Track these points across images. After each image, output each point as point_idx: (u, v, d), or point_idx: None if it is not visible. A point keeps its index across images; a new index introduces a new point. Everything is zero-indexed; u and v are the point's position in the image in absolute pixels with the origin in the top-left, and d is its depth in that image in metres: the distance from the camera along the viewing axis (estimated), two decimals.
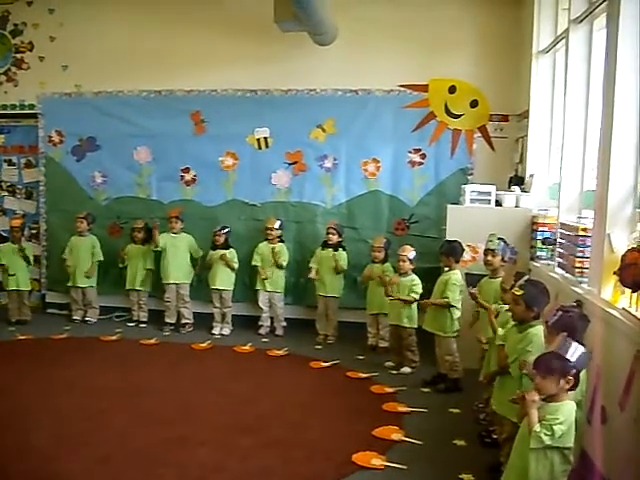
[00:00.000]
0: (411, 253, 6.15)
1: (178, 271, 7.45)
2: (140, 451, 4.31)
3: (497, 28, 7.06)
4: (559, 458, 2.94)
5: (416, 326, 6.10)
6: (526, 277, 4.21)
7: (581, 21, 5.15)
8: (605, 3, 4.48)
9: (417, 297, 6.06)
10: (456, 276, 5.69)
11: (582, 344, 3.08)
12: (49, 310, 8.24)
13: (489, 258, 5.31)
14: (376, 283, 6.68)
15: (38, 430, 4.57)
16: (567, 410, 2.95)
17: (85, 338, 7.10)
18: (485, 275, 5.51)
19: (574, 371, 2.95)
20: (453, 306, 5.62)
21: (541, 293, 3.95)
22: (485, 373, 4.43)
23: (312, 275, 7.14)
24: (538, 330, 3.77)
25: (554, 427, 2.88)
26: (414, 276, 6.15)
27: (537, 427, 2.90)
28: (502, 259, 5.26)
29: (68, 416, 4.85)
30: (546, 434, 2.88)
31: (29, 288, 7.78)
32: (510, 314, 4.09)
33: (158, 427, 4.70)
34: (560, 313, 3.42)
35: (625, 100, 4.02)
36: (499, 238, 5.36)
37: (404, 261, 6.12)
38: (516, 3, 6.93)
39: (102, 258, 7.76)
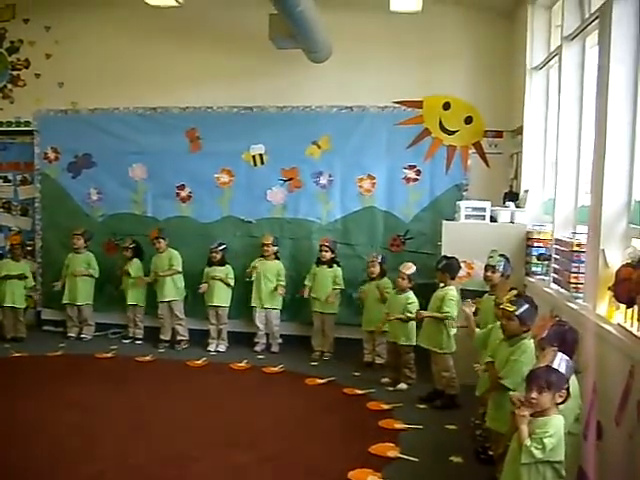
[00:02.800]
0: (410, 270, 6.15)
1: (168, 289, 7.43)
2: (135, 468, 4.30)
3: (491, 45, 7.11)
4: (551, 472, 2.93)
5: (414, 344, 6.09)
6: (515, 292, 4.21)
7: (573, 38, 5.19)
8: (597, 21, 4.51)
9: (412, 316, 6.04)
10: (453, 292, 5.70)
11: (571, 357, 3.10)
12: (44, 327, 8.20)
13: (489, 274, 5.33)
14: (373, 300, 6.68)
15: (33, 447, 4.55)
16: (556, 423, 2.94)
17: (80, 355, 7.07)
18: (482, 291, 5.52)
19: (567, 384, 2.96)
20: (452, 318, 5.62)
21: (532, 307, 3.98)
22: (481, 391, 4.42)
23: (306, 294, 7.15)
24: (530, 342, 3.78)
25: (544, 440, 2.88)
26: (410, 294, 6.14)
27: (527, 441, 2.90)
28: (502, 275, 5.27)
29: (63, 433, 4.83)
30: (537, 448, 2.88)
31: (24, 305, 7.75)
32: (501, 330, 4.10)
33: (153, 444, 4.69)
34: (554, 327, 3.43)
35: (618, 116, 4.04)
36: (501, 255, 5.36)
37: (403, 278, 6.12)
38: (509, 20, 6.99)
39: (97, 275, 7.75)
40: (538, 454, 2.88)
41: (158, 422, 5.14)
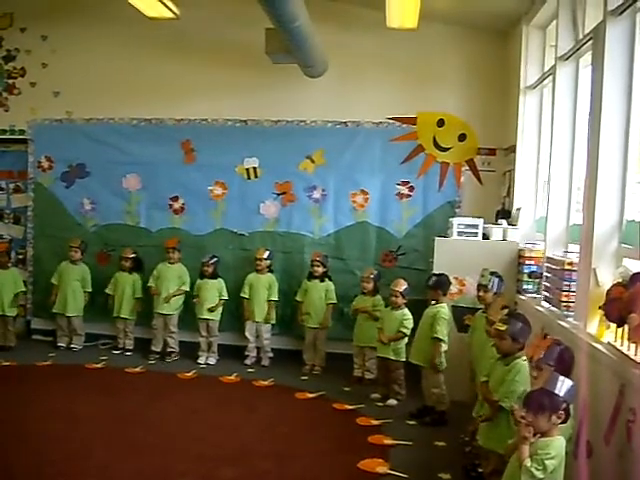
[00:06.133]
0: (403, 287, 6.15)
1: (168, 303, 7.42)
2: None
3: (485, 63, 7.16)
4: None
5: (404, 359, 6.09)
6: (506, 310, 4.22)
7: (567, 58, 5.23)
8: (591, 42, 4.56)
9: (407, 332, 6.06)
10: (444, 310, 5.70)
11: (569, 375, 3.10)
12: (34, 336, 8.15)
13: (481, 294, 5.31)
14: (364, 315, 6.68)
15: (18, 459, 4.49)
16: (558, 445, 2.94)
17: (70, 365, 7.03)
18: (473, 308, 5.53)
19: (564, 405, 2.95)
20: (442, 340, 5.62)
21: (525, 325, 3.98)
22: (482, 413, 4.41)
23: (300, 317, 7.19)
24: (524, 362, 3.78)
25: (546, 462, 2.88)
26: (406, 310, 6.15)
27: (528, 462, 2.89)
28: (495, 294, 5.27)
29: (49, 445, 4.77)
30: (537, 469, 2.87)
31: (14, 314, 7.70)
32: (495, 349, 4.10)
33: (140, 457, 4.65)
34: (550, 347, 3.42)
35: (610, 135, 4.08)
36: (492, 272, 5.36)
37: (396, 296, 6.12)
38: (504, 39, 7.05)
39: (90, 289, 7.72)
40: (539, 474, 2.87)
41: (145, 435, 5.10)
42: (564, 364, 3.34)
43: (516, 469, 2.97)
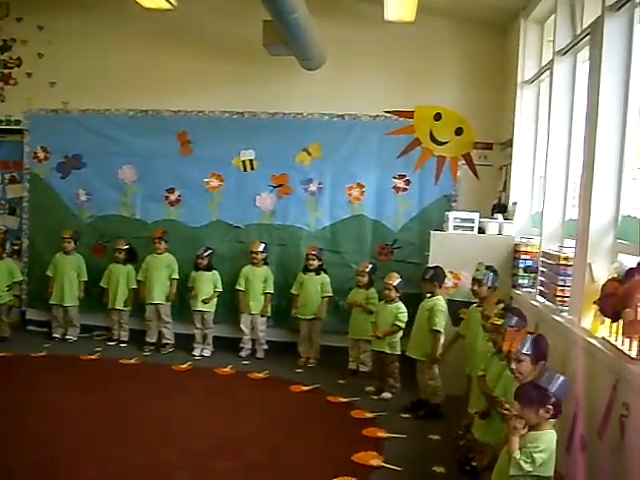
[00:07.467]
0: (397, 281, 6.16)
1: (158, 291, 7.41)
2: (117, 475, 4.25)
3: (483, 58, 7.15)
4: None
5: (399, 353, 6.10)
6: (501, 305, 4.22)
7: (565, 53, 5.23)
8: (588, 37, 4.56)
9: (402, 326, 6.07)
10: (441, 302, 5.70)
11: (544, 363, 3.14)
12: (29, 327, 8.14)
13: (475, 288, 5.30)
14: (359, 309, 6.69)
15: (13, 452, 4.48)
16: (547, 439, 2.96)
17: (64, 356, 7.02)
18: (469, 302, 5.53)
19: (553, 400, 2.96)
20: (440, 332, 5.62)
21: (521, 319, 3.99)
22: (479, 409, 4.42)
23: (294, 311, 7.21)
24: None
25: (534, 455, 2.89)
26: (400, 304, 6.15)
27: (517, 454, 2.91)
28: (489, 288, 5.27)
29: (44, 439, 4.75)
30: (526, 461, 2.89)
31: (7, 299, 7.62)
32: (491, 343, 4.10)
33: (136, 450, 4.64)
34: (525, 337, 3.43)
35: (607, 131, 4.08)
36: (488, 267, 5.36)
37: (390, 289, 6.13)
38: (502, 34, 7.03)
39: (86, 278, 7.72)
40: (527, 467, 2.89)
41: (141, 427, 5.10)
42: (540, 352, 3.39)
43: (506, 461, 2.98)
